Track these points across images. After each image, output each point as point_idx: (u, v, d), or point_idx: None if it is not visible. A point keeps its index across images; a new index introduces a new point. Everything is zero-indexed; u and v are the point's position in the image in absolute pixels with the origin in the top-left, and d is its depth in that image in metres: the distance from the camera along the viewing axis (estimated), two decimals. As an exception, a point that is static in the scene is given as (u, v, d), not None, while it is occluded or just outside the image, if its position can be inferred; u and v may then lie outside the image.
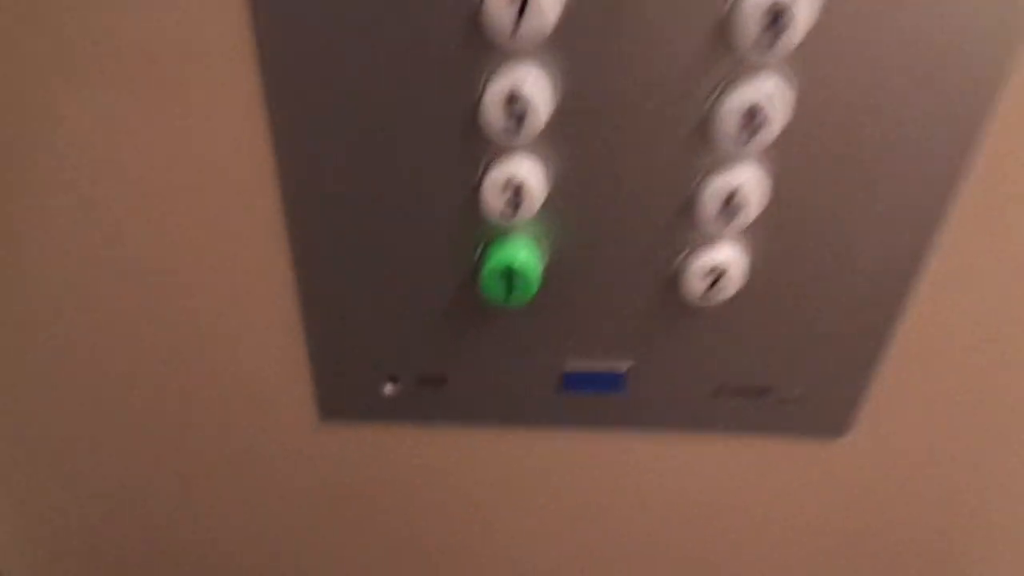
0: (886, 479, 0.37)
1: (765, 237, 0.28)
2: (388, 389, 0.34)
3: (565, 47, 0.24)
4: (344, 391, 0.34)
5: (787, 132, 0.26)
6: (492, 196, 0.27)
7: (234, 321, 0.33)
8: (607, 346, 0.32)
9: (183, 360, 0.34)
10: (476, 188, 0.27)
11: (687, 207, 0.27)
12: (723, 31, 0.24)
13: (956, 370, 0.33)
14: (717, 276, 0.28)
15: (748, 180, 0.26)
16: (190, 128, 0.27)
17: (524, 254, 0.28)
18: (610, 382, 0.33)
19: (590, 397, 0.34)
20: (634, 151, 0.26)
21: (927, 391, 0.34)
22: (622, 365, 0.33)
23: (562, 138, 0.26)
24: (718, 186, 0.26)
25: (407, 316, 0.31)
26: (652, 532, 0.39)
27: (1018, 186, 0.27)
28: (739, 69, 0.24)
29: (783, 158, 0.26)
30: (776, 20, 0.23)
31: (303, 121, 0.27)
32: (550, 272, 0.30)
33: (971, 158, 0.26)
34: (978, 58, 0.24)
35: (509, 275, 0.28)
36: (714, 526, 0.39)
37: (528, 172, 0.26)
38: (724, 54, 0.24)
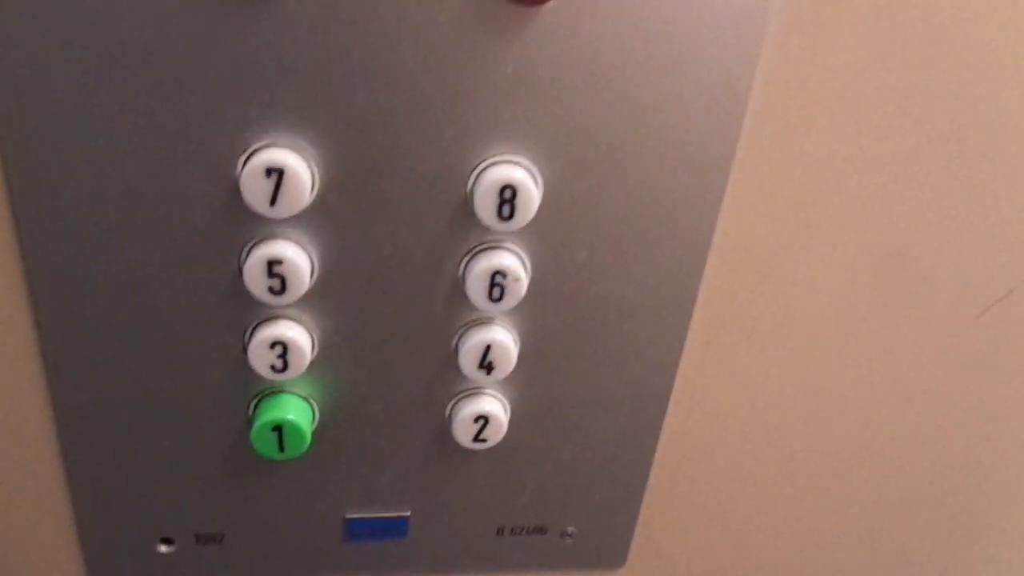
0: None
1: (524, 386, 0.31)
2: (162, 550, 0.33)
3: (323, 218, 0.26)
4: (115, 554, 0.33)
5: (532, 292, 0.28)
6: (259, 356, 0.28)
7: (-9, 487, 0.31)
8: (388, 494, 0.33)
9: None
10: (245, 349, 0.28)
11: (449, 361, 0.29)
12: (466, 210, 0.26)
13: (715, 489, 0.36)
14: (484, 423, 0.30)
15: (501, 336, 0.29)
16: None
17: (294, 410, 0.29)
18: (394, 529, 0.33)
19: (375, 545, 0.34)
20: (395, 312, 0.28)
21: (693, 515, 0.37)
22: (404, 510, 0.33)
23: (326, 301, 0.28)
24: (475, 342, 0.29)
25: (180, 473, 0.31)
26: None
27: (736, 321, 0.32)
28: (483, 239, 0.27)
29: (530, 318, 0.29)
30: (510, 199, 0.26)
31: (64, 284, 0.27)
32: (324, 425, 0.30)
33: (692, 306, 0.30)
34: (688, 228, 0.28)
35: (279, 431, 0.29)
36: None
37: (294, 333, 0.28)
38: (469, 228, 0.27)
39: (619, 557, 0.37)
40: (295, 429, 0.29)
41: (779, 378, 0.33)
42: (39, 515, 0.32)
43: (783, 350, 0.33)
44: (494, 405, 0.30)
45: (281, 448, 0.29)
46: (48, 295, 0.27)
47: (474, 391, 0.30)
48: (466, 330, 0.29)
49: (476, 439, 0.31)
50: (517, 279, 0.27)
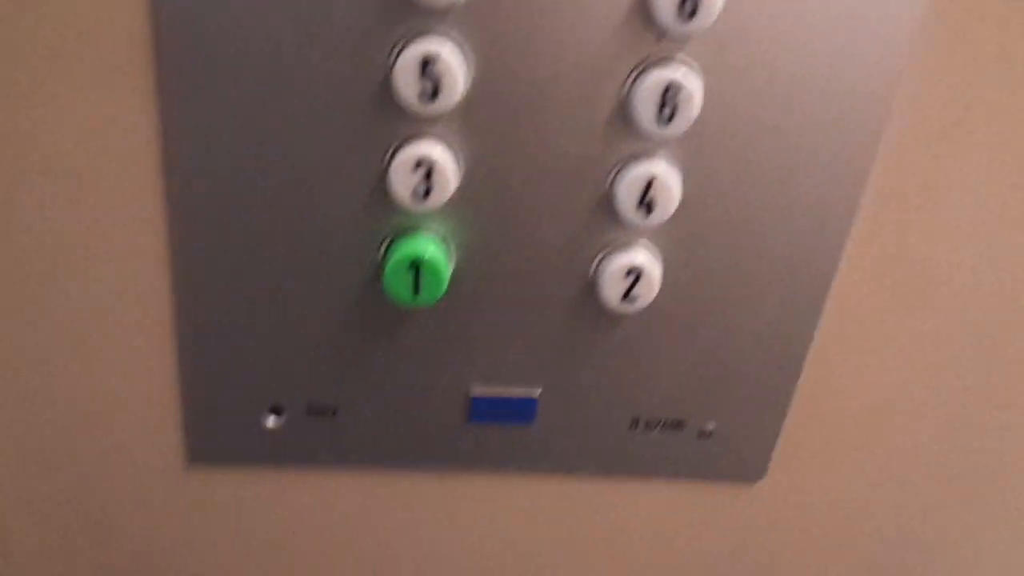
0: (805, 529, 0.35)
1: (680, 239, 0.27)
2: (271, 422, 0.30)
3: (481, 19, 0.24)
4: (219, 426, 0.30)
5: (701, 123, 0.25)
6: (402, 177, 0.25)
7: (90, 331, 0.28)
8: (517, 366, 0.30)
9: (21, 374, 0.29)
10: (384, 172, 0.25)
11: (604, 201, 0.26)
12: (640, 9, 0.24)
13: (867, 406, 0.33)
14: (635, 278, 0.27)
15: (664, 171, 0.26)
16: (69, 94, 0.25)
17: (433, 248, 0.26)
18: (521, 410, 0.30)
19: (499, 430, 0.31)
20: (549, 137, 0.25)
21: (840, 430, 0.33)
22: (533, 390, 0.30)
23: (476, 120, 0.25)
24: (636, 175, 0.26)
25: (297, 330, 0.28)
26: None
27: (918, 196, 0.28)
28: (655, 51, 0.24)
29: (698, 151, 0.26)
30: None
31: (195, 95, 0.24)
32: (458, 276, 0.27)
33: (873, 163, 0.27)
34: (878, 50, 0.25)
35: (417, 269, 0.26)
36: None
37: (440, 153, 0.25)
38: (640, 35, 0.24)
39: (759, 467, 0.33)
40: (433, 268, 0.26)
41: (955, 270, 0.30)
42: (141, 372, 0.29)
43: (962, 230, 0.29)
44: (648, 257, 0.27)
45: (416, 291, 0.26)
46: (175, 112, 0.24)
47: (626, 243, 0.27)
48: (626, 163, 0.26)
49: (625, 298, 0.28)
50: (691, 95, 0.24)
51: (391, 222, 0.26)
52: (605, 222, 0.27)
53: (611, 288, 0.27)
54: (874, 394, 0.32)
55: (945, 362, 0.32)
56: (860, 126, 0.26)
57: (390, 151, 0.25)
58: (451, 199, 0.26)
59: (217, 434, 0.30)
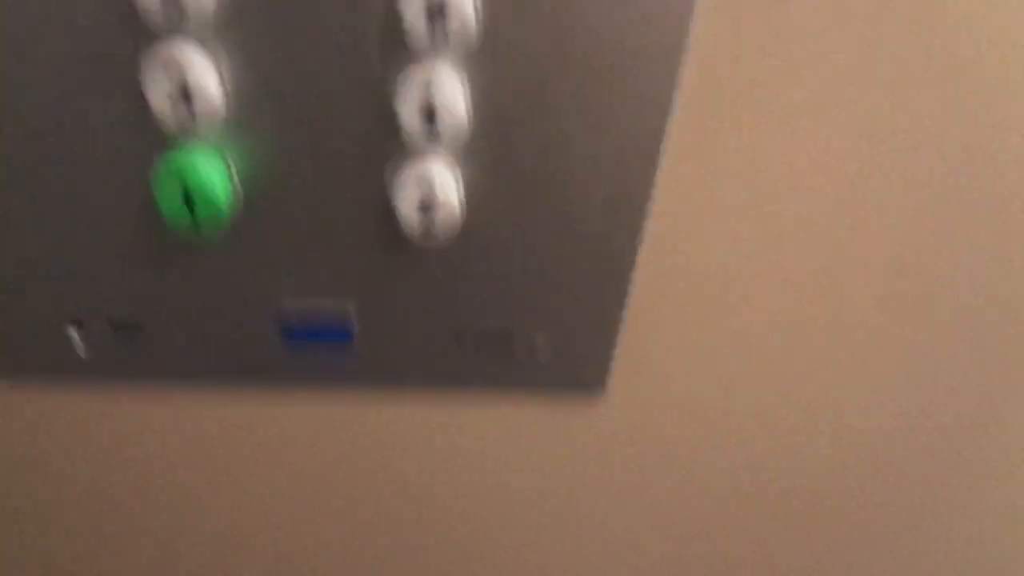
0: (649, 444, 0.36)
1: (479, 150, 0.26)
2: (75, 338, 0.29)
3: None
4: (22, 342, 0.29)
5: (486, 32, 0.23)
6: (158, 93, 0.23)
7: None
8: (327, 282, 0.29)
9: None
10: (144, 90, 0.23)
11: (389, 112, 0.25)
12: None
13: (708, 314, 0.32)
14: (429, 190, 0.26)
15: (448, 83, 0.24)
16: None
17: (204, 168, 0.24)
18: (336, 327, 0.30)
19: (318, 349, 0.30)
20: (319, 43, 0.23)
21: (678, 337, 0.33)
22: (347, 306, 0.29)
23: (239, 27, 0.23)
24: (417, 83, 0.24)
25: (88, 243, 0.27)
26: (398, 504, 0.36)
27: (737, 91, 0.27)
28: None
29: (480, 57, 0.24)
30: None
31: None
32: (249, 196, 0.26)
33: (680, 51, 0.25)
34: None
35: (188, 194, 0.24)
36: (468, 496, 0.36)
37: (197, 64, 0.23)
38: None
39: (597, 381, 0.33)
40: (206, 191, 0.24)
41: (784, 159, 0.29)
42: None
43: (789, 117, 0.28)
44: (443, 181, 0.26)
45: (195, 218, 0.25)
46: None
47: (417, 156, 0.26)
48: (408, 76, 0.24)
49: (423, 225, 0.26)
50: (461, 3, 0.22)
51: (162, 137, 0.25)
52: (393, 135, 0.25)
53: (406, 202, 0.26)
54: (713, 300, 0.32)
55: (781, 257, 0.31)
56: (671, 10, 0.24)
57: (141, 62, 0.23)
58: (228, 117, 0.24)
59: (21, 351, 0.29)
